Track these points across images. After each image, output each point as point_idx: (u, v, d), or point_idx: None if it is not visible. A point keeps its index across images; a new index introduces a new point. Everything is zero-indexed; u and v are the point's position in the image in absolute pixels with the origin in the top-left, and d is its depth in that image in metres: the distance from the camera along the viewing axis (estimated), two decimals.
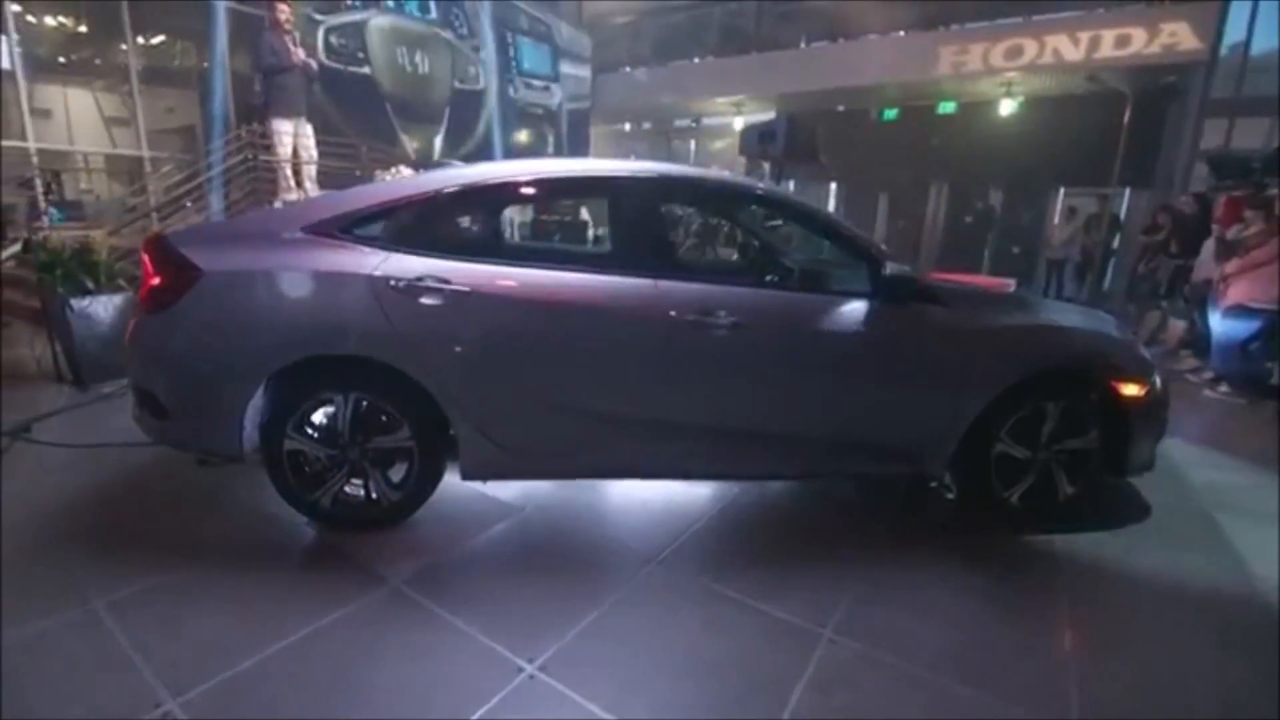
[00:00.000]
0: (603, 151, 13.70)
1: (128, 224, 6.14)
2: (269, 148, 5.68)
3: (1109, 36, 8.16)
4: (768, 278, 2.50)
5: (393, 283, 2.04)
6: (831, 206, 13.13)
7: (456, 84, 10.57)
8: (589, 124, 13.29)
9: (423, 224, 2.20)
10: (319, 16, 8.80)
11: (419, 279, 2.05)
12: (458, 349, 2.08)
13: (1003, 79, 9.15)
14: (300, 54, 5.33)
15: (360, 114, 9.24)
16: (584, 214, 8.30)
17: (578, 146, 12.72)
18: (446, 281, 2.06)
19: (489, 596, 1.90)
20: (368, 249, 2.10)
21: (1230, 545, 2.40)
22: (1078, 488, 2.45)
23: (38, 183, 7.47)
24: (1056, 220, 9.97)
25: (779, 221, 3.73)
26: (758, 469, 2.38)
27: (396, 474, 2.22)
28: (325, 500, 2.18)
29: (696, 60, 12.60)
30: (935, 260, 11.73)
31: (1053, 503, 2.45)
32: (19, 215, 7.11)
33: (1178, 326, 5.94)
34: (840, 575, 2.06)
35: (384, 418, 2.14)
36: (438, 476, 2.27)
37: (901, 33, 10.17)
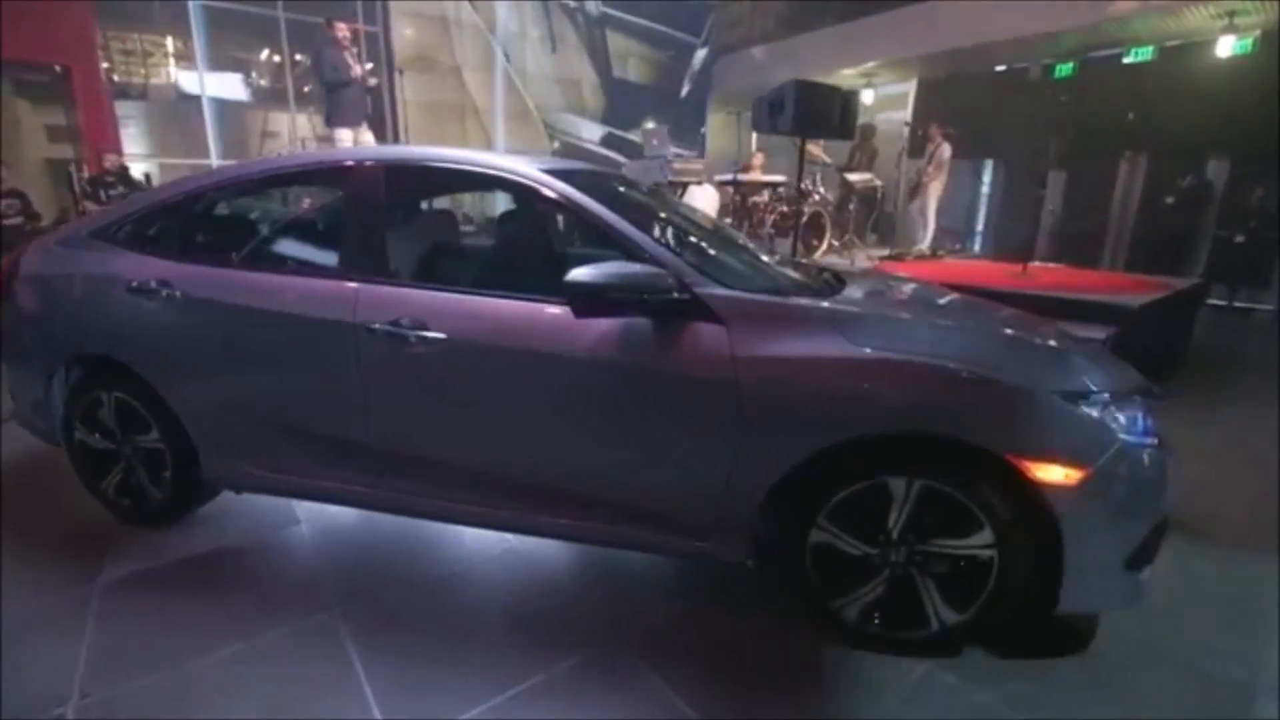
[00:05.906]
0: (717, 140, 13.03)
1: None
2: None
3: None
4: (497, 283, 1.80)
5: (128, 285, 2.04)
6: (986, 188, 10.99)
7: None
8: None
9: (168, 226, 2.20)
10: None
11: (146, 282, 2.02)
12: (178, 354, 2.03)
13: (1219, 8, 6.71)
14: (358, 69, 5.70)
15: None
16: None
17: None
18: (168, 284, 2.00)
19: (141, 616, 1.80)
20: (125, 252, 2.15)
21: None
22: (967, 614, 1.61)
23: None
24: None
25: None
26: (495, 520, 1.92)
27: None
28: (110, 491, 2.27)
29: (825, 30, 11.27)
30: (1125, 255, 9.18)
31: (920, 628, 1.66)
32: None
33: None
34: (525, 668, 1.58)
35: (142, 418, 2.15)
36: (199, 480, 2.22)
37: None
